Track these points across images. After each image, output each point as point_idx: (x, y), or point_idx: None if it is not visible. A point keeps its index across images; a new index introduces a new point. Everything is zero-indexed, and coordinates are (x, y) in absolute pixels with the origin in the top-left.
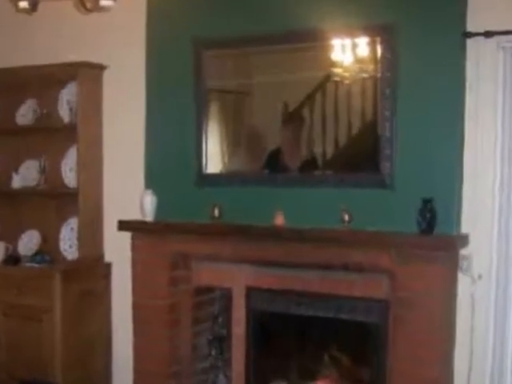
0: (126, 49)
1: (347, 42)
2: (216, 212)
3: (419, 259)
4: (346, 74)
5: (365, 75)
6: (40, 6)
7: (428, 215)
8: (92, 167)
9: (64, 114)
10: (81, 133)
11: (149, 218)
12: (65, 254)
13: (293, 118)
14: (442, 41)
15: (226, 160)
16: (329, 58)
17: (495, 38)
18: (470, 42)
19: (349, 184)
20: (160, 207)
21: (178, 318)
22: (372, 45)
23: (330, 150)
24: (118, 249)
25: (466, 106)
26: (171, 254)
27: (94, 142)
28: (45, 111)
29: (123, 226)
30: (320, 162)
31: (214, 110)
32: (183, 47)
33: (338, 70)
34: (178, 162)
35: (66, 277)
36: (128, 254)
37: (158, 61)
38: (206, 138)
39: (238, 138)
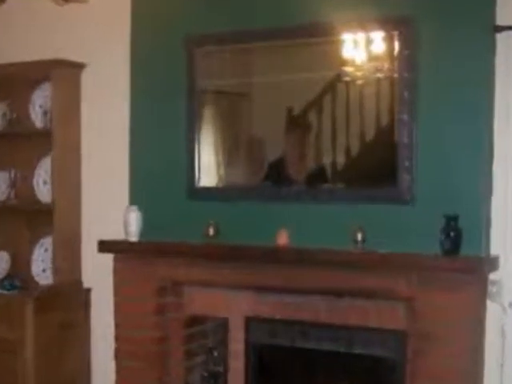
0: (107, 45)
1: (360, 36)
2: (211, 231)
3: (442, 284)
4: (359, 74)
5: (380, 75)
6: None
7: (452, 234)
8: (69, 179)
9: (36, 118)
10: (56, 140)
11: (134, 237)
12: (37, 278)
13: (298, 124)
14: (467, 36)
15: (222, 171)
16: (339, 56)
17: None
18: (499, 36)
19: (362, 199)
20: (146, 226)
21: (168, 351)
22: (388, 40)
23: (340, 161)
24: (98, 273)
25: (496, 109)
26: (159, 278)
27: (71, 151)
28: (14, 115)
29: (104, 246)
30: (329, 173)
31: (207, 114)
32: (172, 44)
33: (349, 69)
34: (168, 173)
35: (40, 305)
36: (110, 278)
37: (143, 59)
38: (199, 147)
39: (235, 147)
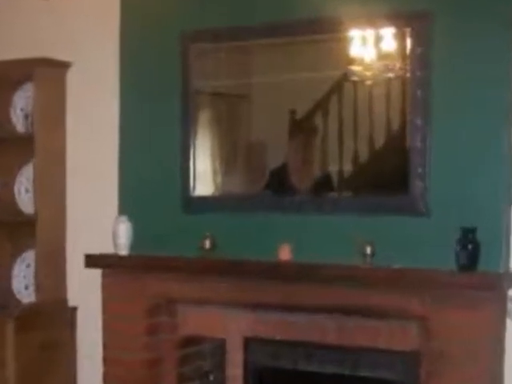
0: (94, 43)
1: (369, 33)
2: (207, 244)
3: (458, 302)
4: (368, 74)
5: (391, 75)
6: None
7: (469, 248)
8: (52, 188)
9: (18, 122)
10: (38, 145)
11: (123, 251)
12: (19, 296)
13: (301, 128)
14: (484, 31)
15: (219, 180)
16: (346, 54)
17: None
18: None
19: (371, 209)
20: (137, 238)
21: (160, 375)
22: (400, 37)
23: (347, 168)
24: (84, 290)
25: None
26: (151, 296)
27: (55, 157)
28: None
29: (91, 261)
30: (335, 182)
31: (203, 117)
32: (165, 41)
33: (357, 69)
34: (160, 181)
35: (21, 325)
36: (97, 296)
37: (134, 58)
38: (194, 153)
39: (233, 153)
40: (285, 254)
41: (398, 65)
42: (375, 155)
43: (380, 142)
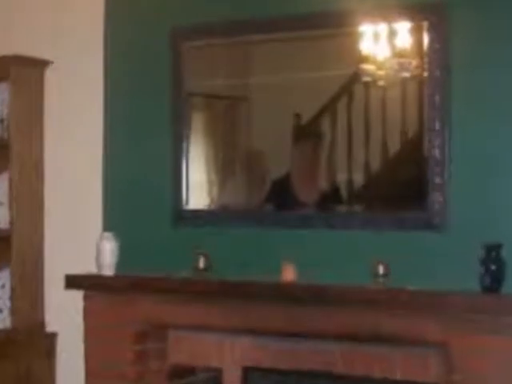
0: (76, 39)
1: (382, 28)
2: (201, 263)
3: (482, 327)
4: (380, 73)
5: (406, 74)
6: None
7: (493, 267)
8: (30, 201)
9: None
10: (14, 153)
11: (108, 271)
12: None
13: (307, 134)
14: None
15: (215, 191)
16: (356, 51)
17: None
18: None
19: (384, 224)
20: (124, 256)
21: None
22: (416, 32)
23: (358, 178)
24: (65, 314)
25: None
26: (139, 320)
27: (33, 166)
28: None
29: (72, 282)
30: (345, 194)
31: (197, 122)
32: (155, 37)
33: (368, 68)
34: (149, 193)
35: None
36: (79, 320)
37: (120, 56)
38: (187, 161)
39: (231, 162)
40: (288, 274)
41: (414, 63)
42: (389, 164)
43: (394, 149)
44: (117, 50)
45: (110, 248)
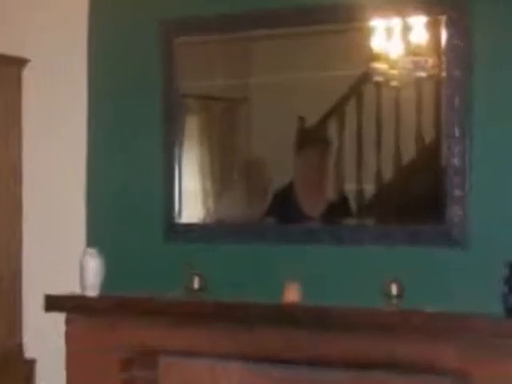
0: (57, 36)
1: (395, 23)
2: (195, 283)
3: (505, 354)
4: (394, 73)
5: (422, 74)
6: None
7: None
8: (5, 212)
9: None
10: None
11: (92, 291)
12: None
13: (312, 140)
14: None
15: (211, 203)
16: (367, 49)
17: None
18: None
19: (398, 239)
20: (110, 275)
21: None
22: (433, 27)
23: (368, 189)
24: (44, 338)
25: None
26: (126, 345)
27: (11, 171)
28: None
29: (53, 303)
30: (354, 205)
31: (191, 126)
32: (144, 33)
33: (380, 67)
34: (138, 205)
35: None
36: (60, 345)
37: (105, 54)
38: (180, 170)
39: (228, 170)
40: (292, 294)
41: (430, 61)
42: (403, 173)
43: (408, 157)
44: (102, 46)
45: (94, 266)
